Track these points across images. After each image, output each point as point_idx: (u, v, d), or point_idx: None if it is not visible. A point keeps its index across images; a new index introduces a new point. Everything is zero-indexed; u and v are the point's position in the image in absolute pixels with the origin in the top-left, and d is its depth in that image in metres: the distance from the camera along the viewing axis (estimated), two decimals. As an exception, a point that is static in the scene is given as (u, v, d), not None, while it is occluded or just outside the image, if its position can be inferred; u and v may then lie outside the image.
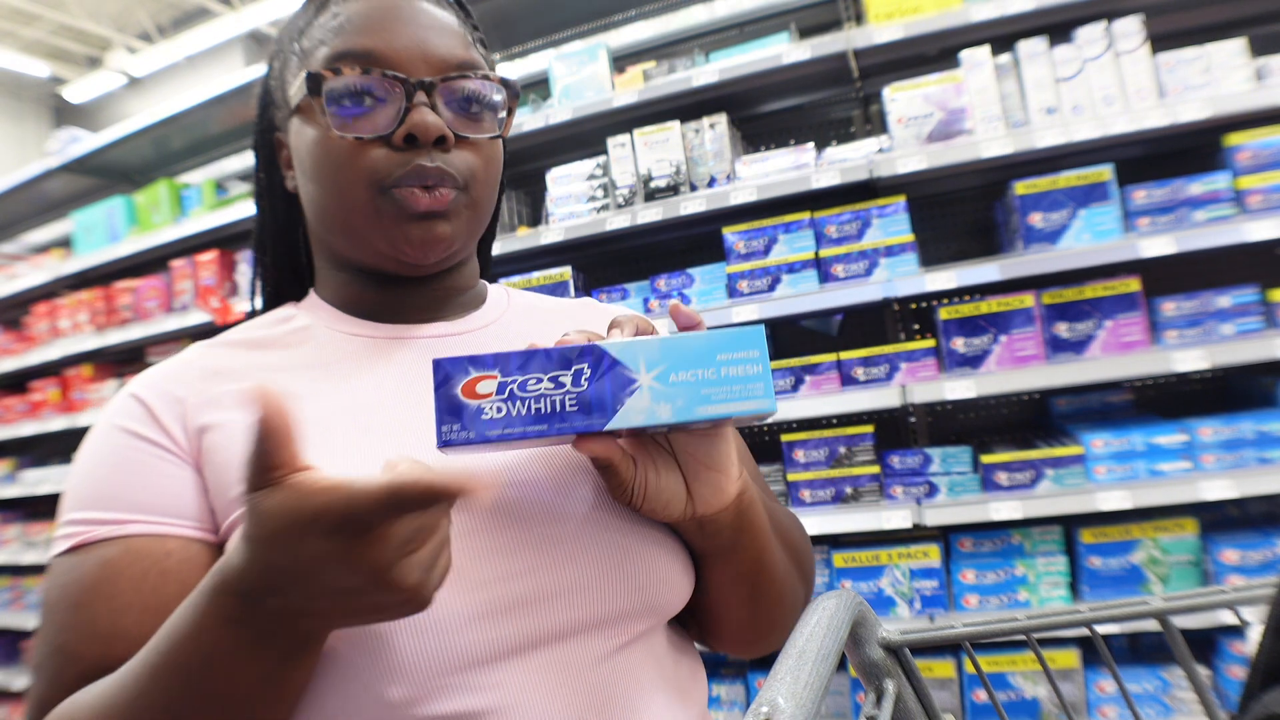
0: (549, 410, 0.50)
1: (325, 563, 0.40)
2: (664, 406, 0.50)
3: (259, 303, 0.76)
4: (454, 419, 0.49)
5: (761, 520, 0.63)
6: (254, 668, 0.45)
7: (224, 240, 3.06)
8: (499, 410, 0.49)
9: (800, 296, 2.04)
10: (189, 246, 3.02)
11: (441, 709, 0.51)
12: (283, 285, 0.75)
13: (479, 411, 0.49)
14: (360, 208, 0.61)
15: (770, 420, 2.16)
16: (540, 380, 0.50)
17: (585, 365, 0.50)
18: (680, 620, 0.69)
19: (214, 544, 0.57)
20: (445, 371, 0.49)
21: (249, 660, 0.44)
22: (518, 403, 0.49)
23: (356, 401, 0.61)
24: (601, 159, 2.28)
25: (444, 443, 0.49)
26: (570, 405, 0.50)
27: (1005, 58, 1.97)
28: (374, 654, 0.50)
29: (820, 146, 2.23)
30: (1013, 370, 1.90)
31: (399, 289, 0.67)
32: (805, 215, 2.08)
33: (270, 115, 0.71)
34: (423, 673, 0.51)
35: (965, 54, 1.96)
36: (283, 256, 0.75)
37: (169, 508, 0.56)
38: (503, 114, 0.66)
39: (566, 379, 0.50)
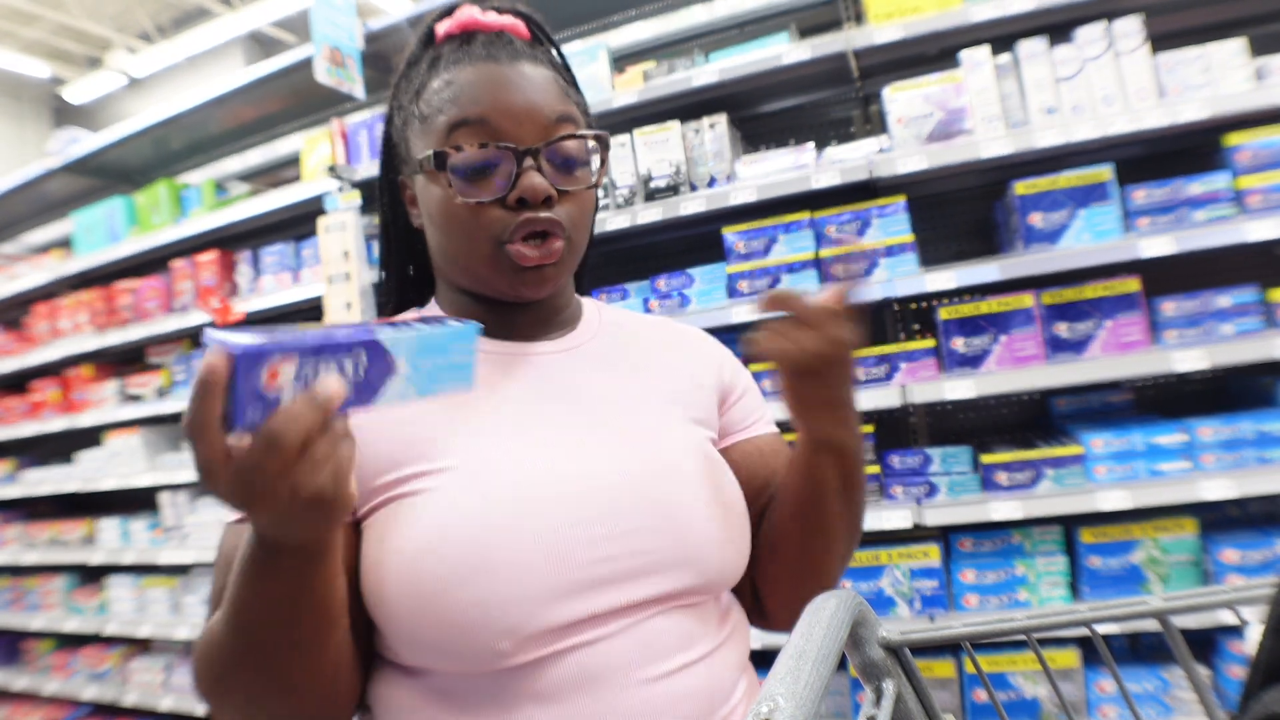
0: None
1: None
2: (411, 387, 0.59)
3: (387, 315, 0.89)
4: (258, 403, 0.54)
5: (837, 482, 0.78)
6: (272, 585, 0.59)
7: (224, 240, 3.07)
8: (293, 393, 0.55)
9: (800, 296, 2.03)
10: (189, 247, 3.03)
11: (537, 654, 0.66)
12: (404, 301, 0.89)
13: (276, 400, 0.54)
14: (484, 259, 0.74)
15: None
16: (328, 367, 0.56)
17: (363, 354, 0.57)
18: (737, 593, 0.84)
19: (350, 523, 0.71)
20: (249, 360, 0.53)
21: (267, 579, 0.59)
22: (307, 385, 0.56)
23: (499, 409, 0.74)
24: (601, 159, 2.28)
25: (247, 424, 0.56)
26: (348, 389, 0.57)
27: (1005, 58, 1.97)
28: (492, 620, 0.65)
29: (820, 146, 2.23)
30: (1013, 370, 1.90)
31: (509, 312, 0.80)
32: (805, 215, 2.08)
33: (395, 163, 0.83)
34: (526, 632, 0.65)
35: (965, 54, 1.96)
36: (405, 276, 0.89)
37: None
38: (597, 164, 0.77)
39: (349, 365, 0.57)
